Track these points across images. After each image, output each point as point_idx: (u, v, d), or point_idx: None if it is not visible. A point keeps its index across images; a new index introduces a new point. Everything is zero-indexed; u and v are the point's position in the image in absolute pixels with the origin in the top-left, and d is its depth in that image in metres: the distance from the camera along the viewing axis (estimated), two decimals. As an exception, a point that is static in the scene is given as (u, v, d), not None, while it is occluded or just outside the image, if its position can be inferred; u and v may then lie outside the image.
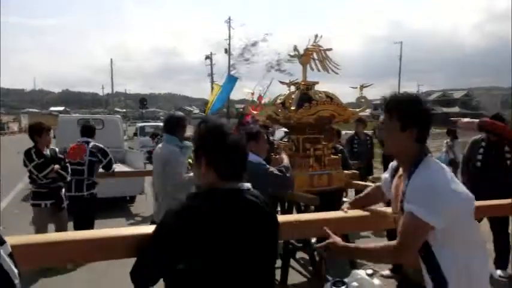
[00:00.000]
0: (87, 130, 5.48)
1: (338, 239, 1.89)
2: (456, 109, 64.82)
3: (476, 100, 75.00)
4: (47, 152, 4.72)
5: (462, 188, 1.70)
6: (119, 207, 8.01)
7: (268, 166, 3.09)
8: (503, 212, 3.18)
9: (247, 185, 1.58)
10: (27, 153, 4.61)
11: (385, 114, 1.71)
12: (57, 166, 4.69)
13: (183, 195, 3.57)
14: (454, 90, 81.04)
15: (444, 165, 1.73)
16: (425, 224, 1.60)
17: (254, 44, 29.09)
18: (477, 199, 1.75)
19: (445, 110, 65.40)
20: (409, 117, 1.65)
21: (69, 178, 4.93)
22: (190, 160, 4.09)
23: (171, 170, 3.46)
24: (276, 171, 3.01)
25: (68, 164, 4.99)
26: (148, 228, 1.56)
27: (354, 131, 7.42)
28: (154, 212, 3.83)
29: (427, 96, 78.01)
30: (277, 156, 3.41)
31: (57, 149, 4.98)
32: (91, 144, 5.33)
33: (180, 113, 4.22)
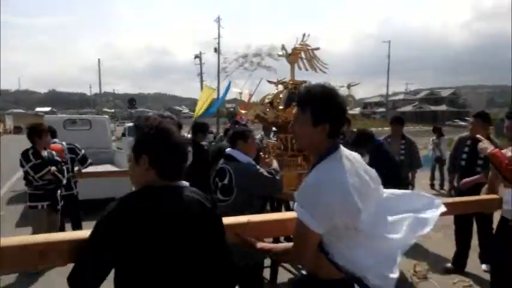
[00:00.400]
0: (52, 132, 5.41)
1: (252, 241, 1.85)
2: (444, 107, 65.64)
3: (463, 98, 76.00)
4: (45, 153, 4.69)
5: (361, 185, 1.55)
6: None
7: (258, 167, 3.07)
8: (483, 208, 3.25)
9: (185, 183, 1.56)
10: (25, 154, 4.55)
11: (298, 108, 1.64)
12: (53, 168, 4.65)
13: None
14: (441, 88, 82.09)
15: (350, 161, 1.61)
16: (311, 231, 1.49)
17: (257, 55, 28.69)
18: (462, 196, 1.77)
19: (432, 108, 66.19)
20: (321, 112, 1.57)
21: (64, 181, 4.91)
22: None
23: None
24: (265, 173, 3.00)
25: (64, 167, 4.96)
26: (86, 233, 1.48)
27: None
28: None
29: (416, 95, 78.99)
30: (267, 160, 3.40)
31: (54, 152, 4.91)
32: (64, 143, 5.45)
33: (168, 113, 4.20)
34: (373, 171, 1.69)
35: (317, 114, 1.57)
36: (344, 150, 1.65)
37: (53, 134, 5.43)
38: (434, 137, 9.53)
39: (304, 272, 1.79)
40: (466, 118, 49.34)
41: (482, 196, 3.16)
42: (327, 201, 1.46)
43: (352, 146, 4.66)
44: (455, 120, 50.50)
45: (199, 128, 5.11)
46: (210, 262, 1.51)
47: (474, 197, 3.17)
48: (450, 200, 2.99)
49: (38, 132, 4.62)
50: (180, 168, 1.53)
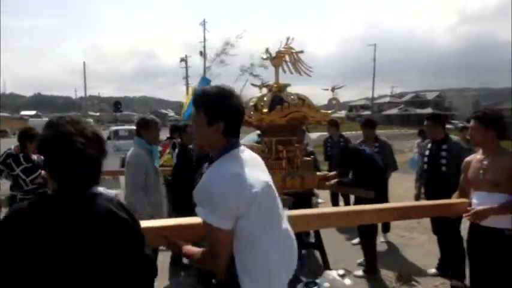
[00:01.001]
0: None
1: (179, 243, 1.82)
2: (429, 110, 66.33)
3: (449, 101, 77.09)
4: (34, 157, 4.66)
5: (257, 181, 1.57)
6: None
7: None
8: (450, 213, 3.12)
9: (100, 189, 1.50)
10: (15, 158, 4.52)
11: (193, 108, 1.68)
12: (44, 172, 4.58)
13: (136, 198, 3.52)
14: (427, 91, 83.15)
15: (245, 158, 1.63)
16: (216, 227, 1.51)
17: (227, 44, 28.90)
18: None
19: (418, 111, 66.99)
20: (215, 111, 1.61)
21: None
22: (157, 163, 4.03)
23: (130, 172, 3.47)
24: None
25: None
26: None
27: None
28: None
29: (401, 98, 79.85)
30: None
31: (42, 157, 4.88)
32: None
33: (151, 116, 4.17)
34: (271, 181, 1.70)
35: (211, 113, 1.61)
36: (244, 150, 1.68)
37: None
38: (419, 140, 9.62)
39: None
40: (452, 121, 50.03)
41: (451, 200, 3.10)
42: (220, 193, 1.48)
43: (340, 166, 4.70)
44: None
45: (181, 128, 5.08)
46: (117, 273, 1.36)
47: (442, 201, 3.10)
48: (418, 203, 3.01)
49: (29, 137, 4.61)
50: (87, 175, 1.37)
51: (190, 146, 5.26)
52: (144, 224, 1.69)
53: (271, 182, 1.69)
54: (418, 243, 5.45)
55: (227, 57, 28.42)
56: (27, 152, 4.61)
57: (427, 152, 4.36)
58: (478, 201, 2.76)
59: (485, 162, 2.78)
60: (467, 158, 3.02)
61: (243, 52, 38.57)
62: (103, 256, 1.32)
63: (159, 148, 3.99)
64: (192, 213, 1.72)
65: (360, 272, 4.38)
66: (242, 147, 1.69)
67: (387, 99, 78.64)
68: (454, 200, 3.08)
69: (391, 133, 34.35)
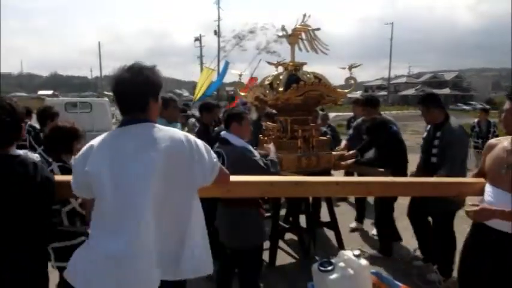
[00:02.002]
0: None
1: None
2: (447, 91, 65.09)
3: (467, 82, 75.28)
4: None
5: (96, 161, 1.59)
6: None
7: (254, 153, 2.96)
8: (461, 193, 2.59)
9: (20, 152, 1.79)
10: (36, 137, 4.56)
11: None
12: None
13: None
14: (445, 71, 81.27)
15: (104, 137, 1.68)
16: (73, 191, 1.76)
17: (252, 32, 28.56)
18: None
19: (436, 91, 65.66)
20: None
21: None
22: None
23: None
24: (261, 163, 2.87)
25: None
26: None
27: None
28: None
29: (418, 78, 78.27)
30: (265, 145, 3.30)
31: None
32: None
33: (170, 95, 4.13)
34: (148, 163, 1.55)
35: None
36: (128, 130, 1.65)
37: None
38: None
39: None
40: (470, 102, 48.94)
41: (467, 179, 2.69)
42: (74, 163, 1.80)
43: (367, 135, 4.51)
44: (459, 104, 50.13)
45: (203, 107, 5.05)
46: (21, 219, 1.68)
47: (455, 179, 2.76)
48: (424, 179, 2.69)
49: (51, 115, 4.66)
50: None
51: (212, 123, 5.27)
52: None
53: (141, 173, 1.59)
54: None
55: (245, 42, 28.15)
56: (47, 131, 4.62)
57: (424, 135, 3.91)
58: (493, 199, 2.21)
59: None
60: (492, 141, 2.43)
61: (259, 34, 38.00)
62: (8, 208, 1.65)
63: (179, 125, 3.97)
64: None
65: (375, 252, 4.37)
66: (130, 127, 1.65)
67: (404, 80, 77.12)
68: (471, 179, 2.60)
69: (407, 114, 33.80)
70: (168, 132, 1.64)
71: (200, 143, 1.72)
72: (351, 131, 5.39)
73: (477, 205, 2.19)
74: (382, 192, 2.82)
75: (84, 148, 1.69)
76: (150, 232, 1.53)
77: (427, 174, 3.42)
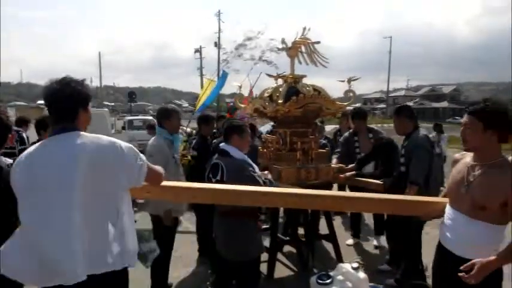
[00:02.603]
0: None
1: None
2: (445, 104, 65.42)
3: (465, 95, 75.72)
4: None
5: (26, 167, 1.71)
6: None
7: (253, 167, 2.95)
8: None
9: None
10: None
11: None
12: None
13: None
14: (443, 85, 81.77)
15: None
16: None
17: (249, 39, 28.83)
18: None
19: (434, 104, 66.00)
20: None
21: None
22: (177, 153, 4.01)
23: (153, 163, 3.43)
24: (260, 179, 2.85)
25: None
26: None
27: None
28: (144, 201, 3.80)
29: (417, 91, 78.71)
30: (262, 173, 3.20)
31: None
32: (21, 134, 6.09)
33: (171, 106, 4.14)
34: (67, 174, 1.63)
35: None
36: (57, 139, 1.74)
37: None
38: (434, 134, 9.48)
39: None
40: (468, 115, 48.94)
41: (431, 198, 2.53)
42: None
43: (373, 155, 4.56)
44: (456, 118, 50.28)
45: (202, 120, 5.06)
46: None
47: (419, 198, 2.63)
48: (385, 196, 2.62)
49: (44, 126, 4.63)
50: None
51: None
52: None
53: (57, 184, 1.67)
54: (433, 237, 5.37)
55: (245, 51, 28.35)
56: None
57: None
58: (451, 222, 2.10)
59: (474, 173, 2.02)
60: (457, 155, 2.27)
61: (259, 44, 38.30)
62: None
63: (181, 137, 3.97)
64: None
65: (384, 266, 4.30)
66: (68, 135, 1.73)
67: (403, 93, 77.56)
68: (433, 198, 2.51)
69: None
70: (94, 139, 1.74)
71: (126, 146, 1.81)
72: (339, 149, 5.09)
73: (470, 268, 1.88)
74: (340, 207, 2.84)
75: (19, 156, 1.79)
76: (76, 231, 1.61)
77: (399, 185, 3.58)
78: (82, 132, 1.76)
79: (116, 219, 1.74)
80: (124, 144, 1.81)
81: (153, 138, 3.71)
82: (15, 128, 6.49)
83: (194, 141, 4.96)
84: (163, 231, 3.50)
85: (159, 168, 2.11)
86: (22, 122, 6.59)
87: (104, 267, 1.68)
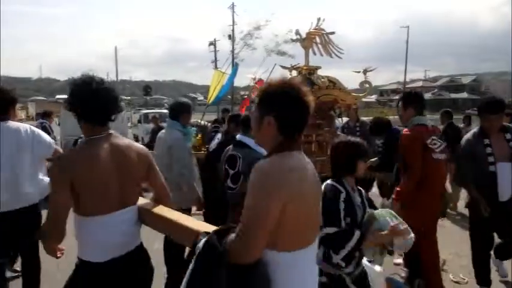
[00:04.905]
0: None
1: None
2: (464, 95, 64.15)
3: (486, 85, 74.02)
4: None
5: None
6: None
7: None
8: None
9: None
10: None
11: None
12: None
13: (186, 178, 3.51)
14: (462, 75, 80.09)
15: None
16: None
17: (257, 28, 28.82)
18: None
19: (452, 95, 64.77)
20: None
21: None
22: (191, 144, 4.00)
23: (176, 155, 3.43)
24: None
25: None
26: None
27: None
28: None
29: (435, 82, 77.31)
30: None
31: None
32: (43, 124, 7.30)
33: (185, 99, 4.13)
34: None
35: None
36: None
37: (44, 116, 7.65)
38: (462, 125, 9.33)
39: None
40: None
41: None
42: None
43: (370, 134, 4.53)
44: (476, 109, 49.11)
45: (231, 119, 5.01)
46: None
47: None
48: None
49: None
50: None
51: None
52: None
53: None
54: (450, 231, 5.30)
55: (254, 41, 28.39)
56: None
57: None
58: None
59: None
60: None
61: (270, 36, 38.19)
62: None
63: (194, 129, 3.95)
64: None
65: (399, 260, 4.21)
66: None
67: (420, 84, 76.26)
68: None
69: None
70: (17, 125, 2.87)
71: (39, 130, 3.03)
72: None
73: None
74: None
75: None
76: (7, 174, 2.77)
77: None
78: (11, 121, 2.88)
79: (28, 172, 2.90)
80: (37, 129, 3.03)
81: (167, 130, 3.70)
82: (40, 120, 7.92)
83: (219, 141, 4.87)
84: None
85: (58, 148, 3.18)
86: (46, 115, 7.98)
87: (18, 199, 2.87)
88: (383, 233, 2.16)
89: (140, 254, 1.97)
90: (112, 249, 1.84)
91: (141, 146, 2.08)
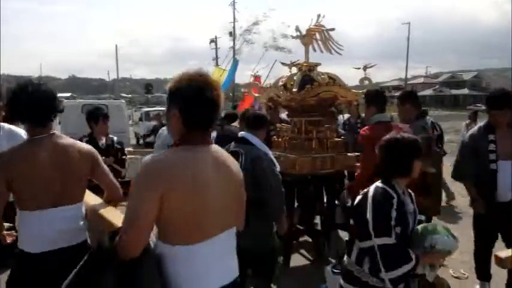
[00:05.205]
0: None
1: None
2: (465, 91, 63.95)
3: (487, 82, 73.74)
4: (103, 141, 4.13)
5: None
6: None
7: (276, 165, 2.87)
8: None
9: None
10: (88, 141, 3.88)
11: None
12: (110, 159, 3.99)
13: None
14: (463, 71, 79.84)
15: None
16: None
17: (255, 24, 28.92)
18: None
19: (453, 92, 64.58)
20: None
21: (124, 172, 4.29)
22: None
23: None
24: (279, 175, 2.82)
25: (125, 157, 4.49)
26: None
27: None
28: None
29: (436, 78, 77.04)
30: None
31: (115, 138, 4.36)
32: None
33: None
34: None
35: None
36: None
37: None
38: (468, 122, 9.31)
39: None
40: (489, 102, 47.74)
41: None
42: None
43: None
44: (478, 105, 49.06)
45: (225, 118, 5.01)
46: None
47: None
48: None
49: (95, 118, 4.08)
50: None
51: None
52: None
53: None
54: (452, 227, 5.29)
55: (252, 36, 28.52)
56: (94, 135, 4.07)
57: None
58: None
59: None
60: None
61: (269, 32, 38.25)
62: None
63: None
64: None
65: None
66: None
67: (421, 80, 76.07)
68: None
69: (424, 115, 33.10)
70: None
71: (9, 126, 3.06)
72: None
73: None
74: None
75: None
76: None
77: None
78: None
79: None
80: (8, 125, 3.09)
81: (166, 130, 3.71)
82: None
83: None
84: None
85: None
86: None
87: None
88: (439, 253, 1.96)
89: (81, 250, 1.95)
90: (48, 242, 1.95)
91: (86, 145, 2.20)
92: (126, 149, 8.44)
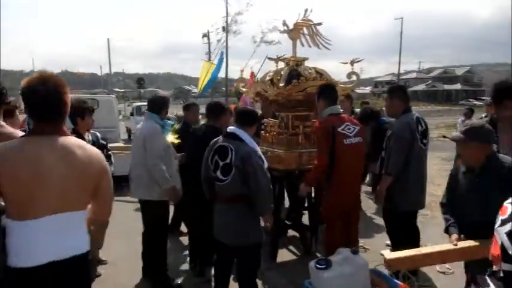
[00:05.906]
0: None
1: None
2: (458, 86, 64.27)
3: (479, 77, 74.11)
4: (89, 137, 3.99)
5: None
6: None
7: (263, 160, 2.87)
8: None
9: None
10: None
11: None
12: None
13: (158, 170, 3.49)
14: (456, 66, 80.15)
15: None
16: None
17: (239, 13, 29.10)
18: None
19: (446, 87, 64.86)
20: None
21: (112, 169, 4.01)
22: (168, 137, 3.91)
23: (149, 145, 3.45)
24: (267, 174, 2.83)
25: (110, 153, 4.41)
26: None
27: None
28: (130, 185, 3.75)
29: (429, 73, 77.30)
30: None
31: (99, 134, 4.27)
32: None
33: (164, 94, 4.19)
34: None
35: None
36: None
37: None
38: (463, 118, 9.37)
39: None
40: (482, 98, 48.18)
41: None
42: None
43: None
44: (470, 100, 49.31)
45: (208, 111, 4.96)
46: None
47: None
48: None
49: (80, 112, 3.85)
50: None
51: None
52: None
53: None
54: (439, 222, 5.32)
55: (238, 27, 28.70)
56: (79, 130, 3.85)
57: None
58: None
59: None
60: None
61: (255, 26, 38.66)
62: None
63: (171, 123, 3.93)
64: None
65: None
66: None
67: (414, 75, 76.30)
68: None
69: (418, 109, 33.38)
70: None
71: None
72: None
73: None
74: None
75: None
76: None
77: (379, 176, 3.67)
78: None
79: None
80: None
81: (144, 122, 3.69)
82: None
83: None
84: (157, 218, 3.58)
85: None
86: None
87: None
88: None
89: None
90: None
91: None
92: (116, 144, 8.41)
